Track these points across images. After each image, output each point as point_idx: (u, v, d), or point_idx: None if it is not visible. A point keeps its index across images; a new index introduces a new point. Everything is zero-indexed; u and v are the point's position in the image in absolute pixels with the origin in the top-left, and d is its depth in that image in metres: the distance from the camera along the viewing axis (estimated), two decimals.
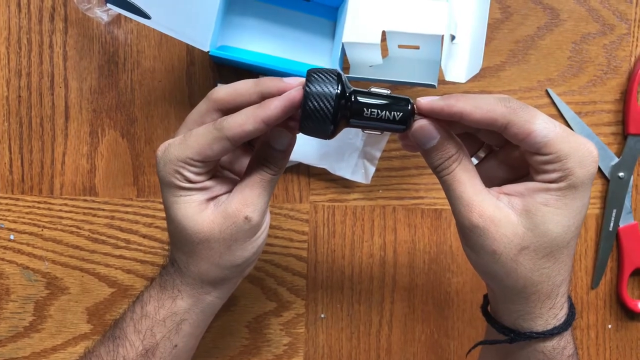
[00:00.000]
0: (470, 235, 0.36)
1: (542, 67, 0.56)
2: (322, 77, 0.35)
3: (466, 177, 0.36)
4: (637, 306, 0.57)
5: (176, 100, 0.54)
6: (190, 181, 0.38)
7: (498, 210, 0.35)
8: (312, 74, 0.36)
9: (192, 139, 0.37)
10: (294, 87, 0.36)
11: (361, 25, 0.44)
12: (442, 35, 0.43)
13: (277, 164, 0.39)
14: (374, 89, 0.36)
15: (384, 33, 0.44)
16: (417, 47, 0.45)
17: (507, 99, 0.35)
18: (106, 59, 0.54)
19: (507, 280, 0.36)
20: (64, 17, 0.53)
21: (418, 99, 0.36)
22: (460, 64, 0.47)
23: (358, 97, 0.36)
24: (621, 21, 0.56)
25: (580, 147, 0.34)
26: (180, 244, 0.40)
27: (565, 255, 0.36)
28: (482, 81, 0.55)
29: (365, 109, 0.36)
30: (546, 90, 0.56)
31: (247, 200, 0.38)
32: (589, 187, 0.35)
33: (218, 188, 0.40)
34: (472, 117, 0.34)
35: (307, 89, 0.35)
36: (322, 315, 0.56)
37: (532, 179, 0.36)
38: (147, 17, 0.43)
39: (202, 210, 0.38)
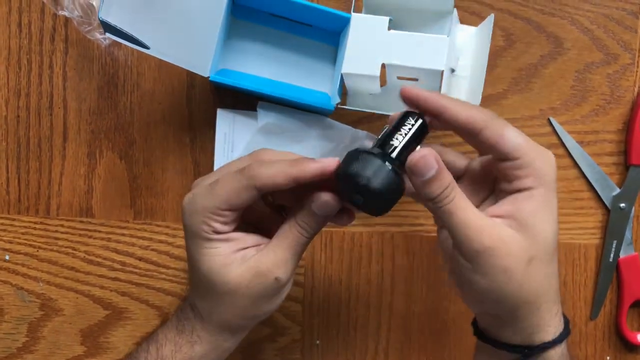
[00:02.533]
0: (481, 259, 0.36)
1: (544, 95, 0.55)
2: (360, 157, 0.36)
3: (466, 203, 0.36)
4: (636, 338, 0.56)
5: (175, 123, 0.54)
6: (218, 232, 0.38)
7: (502, 230, 0.36)
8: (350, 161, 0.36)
9: (219, 187, 0.37)
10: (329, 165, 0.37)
11: (361, 56, 0.44)
12: (442, 70, 0.43)
13: (315, 229, 0.39)
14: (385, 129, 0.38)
15: (383, 64, 0.44)
16: (416, 79, 0.45)
17: (485, 109, 0.37)
18: (106, 80, 0.53)
19: (520, 296, 0.36)
20: (65, 37, 0.53)
21: (403, 86, 0.37)
22: (460, 96, 0.47)
23: (394, 152, 0.37)
24: (625, 51, 0.55)
25: (543, 151, 0.37)
26: (204, 293, 0.40)
27: (557, 254, 0.38)
28: None
29: (404, 153, 0.37)
30: (548, 119, 0.55)
31: (280, 262, 0.38)
32: (555, 187, 0.37)
33: (245, 240, 0.39)
34: (453, 113, 0.36)
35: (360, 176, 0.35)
36: (318, 342, 0.55)
37: (504, 191, 0.37)
38: (145, 47, 0.43)
39: (229, 262, 0.38)
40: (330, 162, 0.36)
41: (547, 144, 0.55)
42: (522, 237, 0.36)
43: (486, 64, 0.45)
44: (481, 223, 0.36)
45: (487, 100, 0.55)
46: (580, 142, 0.55)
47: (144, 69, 0.53)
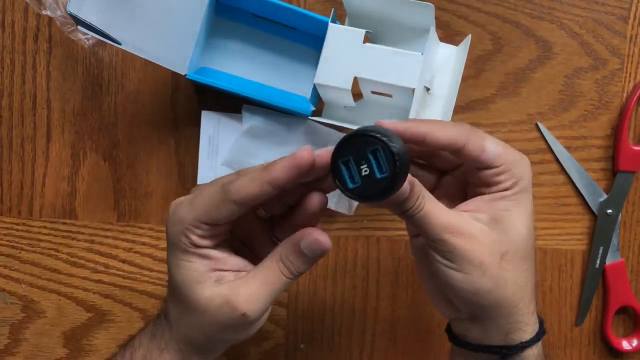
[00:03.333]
0: (456, 254, 0.36)
1: (532, 100, 0.55)
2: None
3: (435, 207, 0.37)
4: (621, 345, 0.56)
5: (160, 125, 0.53)
6: (195, 245, 0.36)
7: (472, 225, 0.37)
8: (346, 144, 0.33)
9: (199, 199, 0.36)
10: (301, 157, 0.34)
11: (334, 68, 0.44)
12: (414, 88, 0.42)
13: (301, 270, 0.37)
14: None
15: (356, 78, 0.44)
16: (390, 96, 0.45)
17: (460, 123, 0.38)
18: (90, 80, 0.53)
19: (497, 292, 0.37)
20: (48, 37, 0.52)
21: (378, 121, 0.36)
22: (434, 114, 0.47)
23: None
24: (614, 56, 0.55)
25: (520, 156, 0.38)
26: (175, 301, 0.39)
27: (534, 254, 0.39)
28: (471, 113, 0.54)
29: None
30: (536, 124, 0.55)
31: (253, 297, 0.36)
32: (531, 189, 0.38)
33: (225, 262, 0.38)
34: (434, 137, 0.36)
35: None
36: (302, 346, 0.55)
37: (480, 194, 0.38)
38: (117, 42, 0.42)
39: (202, 280, 0.36)
40: (304, 153, 0.34)
41: (534, 149, 0.55)
42: (495, 232, 0.37)
43: (459, 84, 0.45)
44: (454, 221, 0.36)
45: (475, 105, 0.54)
46: (568, 148, 0.55)
47: (128, 69, 0.53)
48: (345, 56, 0.43)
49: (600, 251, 0.56)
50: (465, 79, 0.54)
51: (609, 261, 0.56)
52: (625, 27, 0.55)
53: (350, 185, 0.32)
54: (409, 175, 0.35)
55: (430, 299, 0.42)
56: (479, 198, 0.39)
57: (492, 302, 0.37)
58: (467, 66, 0.54)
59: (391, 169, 0.32)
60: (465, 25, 0.54)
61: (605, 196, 0.55)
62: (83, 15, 0.40)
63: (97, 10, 0.41)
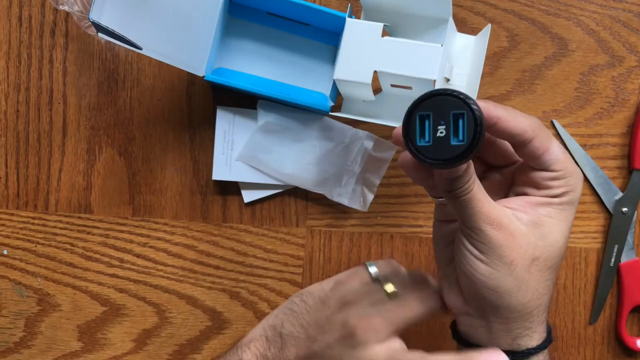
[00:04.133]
0: (489, 247, 0.36)
1: (548, 97, 0.55)
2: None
3: (481, 194, 0.36)
4: (635, 344, 0.56)
5: (175, 120, 0.53)
6: None
7: (512, 222, 0.36)
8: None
9: None
10: None
11: (353, 62, 0.44)
12: (434, 80, 0.42)
13: None
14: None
15: (375, 72, 0.44)
16: (410, 88, 0.45)
17: (532, 116, 0.37)
18: (106, 75, 0.53)
19: (517, 294, 0.37)
20: (65, 32, 0.53)
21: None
22: None
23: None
24: (631, 53, 0.54)
25: (577, 169, 0.38)
26: None
27: (559, 267, 0.39)
28: None
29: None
30: (551, 121, 0.55)
31: None
32: (577, 205, 0.38)
33: None
34: (506, 124, 0.36)
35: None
36: None
37: (525, 195, 0.38)
38: (138, 47, 0.43)
39: None
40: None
41: (551, 133, 0.54)
42: (532, 235, 0.37)
43: (480, 75, 0.45)
44: (496, 213, 0.36)
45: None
46: (584, 146, 0.55)
47: (144, 65, 0.53)
48: (364, 50, 0.43)
49: (615, 250, 0.55)
50: (481, 76, 0.54)
51: (623, 260, 0.55)
52: None
53: (420, 142, 0.31)
54: None
55: (441, 287, 0.41)
56: (523, 198, 0.38)
57: (509, 303, 0.37)
58: (484, 64, 0.53)
59: (469, 138, 0.30)
60: (481, 22, 0.54)
61: (620, 194, 0.55)
62: (104, 22, 0.40)
63: (117, 16, 0.42)
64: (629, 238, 0.55)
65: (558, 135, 0.55)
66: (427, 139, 0.31)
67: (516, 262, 0.36)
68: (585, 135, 0.55)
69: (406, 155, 0.37)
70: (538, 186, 0.38)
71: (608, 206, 0.55)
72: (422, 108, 0.31)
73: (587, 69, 0.54)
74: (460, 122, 0.31)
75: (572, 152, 0.55)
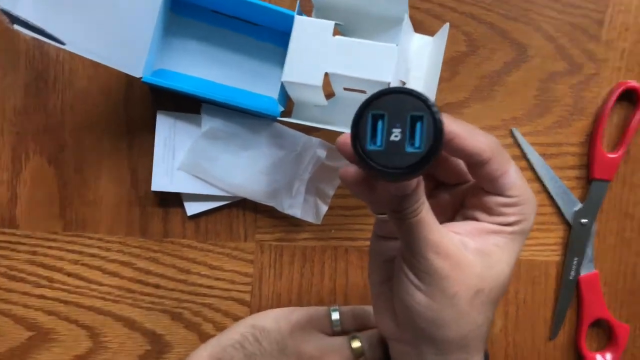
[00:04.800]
0: (433, 279, 0.33)
1: (507, 105, 0.53)
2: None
3: (430, 218, 0.33)
4: (595, 359, 0.54)
5: (111, 126, 0.49)
6: None
7: (459, 251, 0.34)
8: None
9: None
10: None
11: (303, 64, 0.40)
12: (389, 82, 0.39)
13: None
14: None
15: (327, 74, 0.41)
16: (364, 92, 0.42)
17: (490, 135, 0.34)
18: (34, 76, 0.48)
19: (456, 327, 0.34)
20: None
21: None
22: None
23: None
24: (590, 61, 0.53)
25: (533, 198, 0.35)
26: None
27: (500, 300, 0.36)
28: None
29: None
30: (510, 130, 0.53)
31: None
32: (527, 235, 0.36)
33: None
34: (464, 142, 0.32)
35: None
36: None
37: (475, 220, 0.35)
38: (61, 42, 0.38)
39: None
40: None
41: (509, 155, 0.53)
42: (479, 265, 0.34)
43: (438, 78, 0.42)
44: (445, 241, 0.33)
45: (448, 109, 0.52)
46: (543, 155, 0.53)
47: (77, 65, 0.49)
48: (314, 51, 0.40)
49: (575, 262, 0.54)
50: (438, 81, 0.52)
51: (583, 272, 0.54)
52: (600, 31, 0.53)
53: (370, 147, 0.27)
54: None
55: (373, 303, 0.38)
56: (472, 223, 0.35)
57: (447, 336, 0.34)
58: (441, 69, 0.51)
59: (427, 146, 0.26)
60: (439, 25, 0.51)
61: (580, 205, 0.54)
62: (19, 11, 0.36)
63: (37, 6, 0.37)
64: (588, 250, 0.54)
65: (517, 145, 0.53)
66: (379, 143, 0.27)
67: (459, 294, 0.33)
68: (544, 144, 0.53)
69: (350, 166, 0.33)
70: (490, 212, 0.35)
71: (567, 217, 0.54)
72: (376, 106, 0.27)
73: (547, 76, 0.53)
74: (419, 126, 0.27)
75: (532, 161, 0.53)
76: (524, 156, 0.53)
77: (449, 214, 0.38)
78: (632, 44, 0.53)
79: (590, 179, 0.53)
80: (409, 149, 0.27)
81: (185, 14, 0.47)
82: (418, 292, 0.34)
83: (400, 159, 0.27)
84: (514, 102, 0.53)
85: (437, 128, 0.27)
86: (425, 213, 0.33)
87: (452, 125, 0.33)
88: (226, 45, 0.48)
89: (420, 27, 0.51)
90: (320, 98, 0.42)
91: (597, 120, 0.53)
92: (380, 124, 0.27)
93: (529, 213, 0.35)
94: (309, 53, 0.40)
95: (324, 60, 0.40)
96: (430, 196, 0.38)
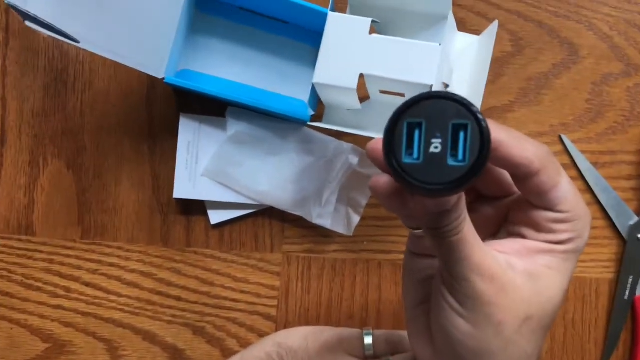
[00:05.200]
0: (476, 305, 0.30)
1: (556, 109, 0.49)
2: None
3: (472, 236, 0.30)
4: None
5: (133, 129, 0.48)
6: None
7: (505, 274, 0.30)
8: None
9: None
10: None
11: (336, 64, 0.38)
12: (431, 85, 0.36)
13: None
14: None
15: (362, 75, 0.37)
16: (402, 95, 0.39)
17: (540, 144, 0.30)
18: (53, 77, 0.47)
19: (501, 357, 0.31)
20: (5, 26, 0.47)
21: None
22: None
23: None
24: None
25: (588, 212, 0.32)
26: None
27: (551, 325, 0.33)
28: None
29: None
30: (559, 136, 0.49)
31: None
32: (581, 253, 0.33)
33: None
34: (510, 150, 0.29)
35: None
36: None
37: (521, 237, 0.32)
38: (75, 41, 0.36)
39: None
40: None
41: (560, 166, 0.49)
42: (528, 289, 0.31)
43: (485, 80, 0.39)
44: (489, 262, 0.30)
45: (491, 113, 0.49)
46: (595, 164, 0.49)
47: (97, 66, 0.47)
48: (348, 50, 0.37)
49: (630, 281, 0.50)
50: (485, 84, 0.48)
51: (639, 292, 0.50)
52: None
53: (406, 160, 0.24)
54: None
55: (407, 326, 0.35)
56: (519, 241, 0.32)
57: None
58: None
59: (473, 158, 0.23)
60: (482, 24, 0.48)
61: (636, 219, 0.50)
62: (29, 7, 0.34)
63: (48, 2, 0.35)
64: None
65: (567, 152, 0.49)
66: (415, 155, 0.24)
67: (505, 322, 0.30)
68: (596, 152, 0.49)
69: (381, 176, 0.30)
70: (539, 228, 0.31)
71: (622, 232, 0.50)
72: (413, 114, 0.24)
73: (600, 78, 0.49)
74: (462, 136, 0.23)
75: (582, 170, 0.50)
76: (573, 165, 0.50)
77: (491, 230, 0.34)
78: None
79: None
80: (451, 162, 0.24)
81: (211, 11, 0.45)
82: (459, 318, 0.31)
83: (441, 174, 0.24)
84: (563, 106, 0.49)
85: (484, 138, 0.23)
86: (468, 230, 0.29)
87: (497, 132, 0.29)
88: (254, 44, 0.46)
89: (461, 25, 0.48)
90: (354, 101, 0.39)
91: None
92: (417, 133, 0.24)
93: (583, 230, 0.31)
94: (343, 53, 0.38)
95: (359, 60, 0.37)
96: (470, 209, 0.34)
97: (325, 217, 0.47)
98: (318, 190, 0.46)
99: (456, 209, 0.28)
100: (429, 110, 0.24)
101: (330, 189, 0.46)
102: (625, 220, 0.50)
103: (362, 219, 0.48)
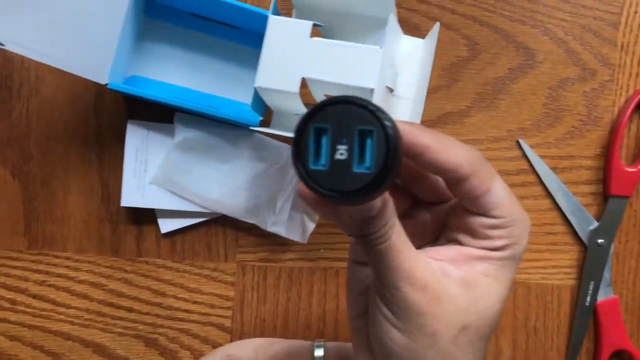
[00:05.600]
0: (407, 314, 0.29)
1: (513, 114, 0.48)
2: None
3: (402, 243, 0.29)
4: None
5: (81, 136, 0.46)
6: None
7: (439, 282, 0.29)
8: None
9: None
10: None
11: (278, 68, 0.37)
12: (372, 89, 0.35)
13: None
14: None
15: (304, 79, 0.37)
16: None
17: (471, 147, 0.30)
18: None
19: None
20: None
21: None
22: (401, 117, 0.39)
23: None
24: (604, 66, 0.49)
25: (525, 217, 0.31)
26: None
27: (492, 334, 0.32)
28: (443, 128, 0.48)
29: None
30: (517, 141, 0.49)
31: None
32: (520, 260, 0.31)
33: None
34: (437, 155, 0.28)
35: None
36: None
37: (458, 243, 0.31)
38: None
39: None
40: None
41: (515, 169, 0.48)
42: (463, 298, 0.29)
43: (427, 83, 0.38)
44: (421, 270, 0.29)
45: (448, 118, 0.48)
46: (554, 169, 0.49)
47: (44, 72, 0.46)
48: (290, 54, 0.36)
49: (591, 287, 0.49)
50: (437, 89, 0.48)
51: (600, 298, 0.49)
52: (615, 33, 0.49)
53: (312, 166, 0.23)
54: (384, 195, 0.27)
55: (351, 337, 0.34)
56: (455, 247, 0.31)
57: None
58: (439, 75, 0.47)
59: (378, 166, 0.23)
60: None
61: (595, 224, 0.49)
62: None
63: None
64: (606, 273, 0.49)
65: (525, 157, 0.49)
66: (322, 161, 0.23)
67: (440, 332, 0.29)
68: (555, 157, 0.49)
69: None
70: (475, 234, 0.31)
71: (582, 237, 0.49)
72: (319, 119, 0.23)
73: (557, 83, 0.49)
74: (369, 142, 0.23)
75: (541, 176, 0.49)
76: (532, 170, 0.49)
77: (430, 236, 0.33)
78: None
79: (607, 195, 0.49)
80: (358, 169, 0.23)
81: (161, 17, 0.45)
82: (393, 329, 0.30)
83: (346, 181, 0.23)
84: (520, 111, 0.49)
85: (390, 145, 0.22)
86: (397, 237, 0.28)
87: (424, 136, 0.28)
88: (205, 50, 0.45)
89: (416, 30, 0.47)
90: (299, 105, 0.38)
91: (613, 131, 0.49)
92: (324, 139, 0.23)
93: (520, 236, 0.30)
94: (285, 57, 0.37)
95: (300, 64, 0.36)
96: (407, 216, 0.34)
97: (279, 224, 0.46)
98: (271, 198, 0.45)
99: (382, 216, 0.27)
100: (336, 116, 0.23)
101: (284, 196, 0.45)
102: (585, 226, 0.49)
103: (319, 226, 0.47)
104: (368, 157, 0.23)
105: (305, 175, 0.23)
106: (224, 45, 0.45)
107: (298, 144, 0.23)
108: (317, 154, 0.23)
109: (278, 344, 0.44)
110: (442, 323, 0.29)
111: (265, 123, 0.43)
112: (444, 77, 0.48)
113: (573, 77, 0.49)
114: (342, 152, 0.23)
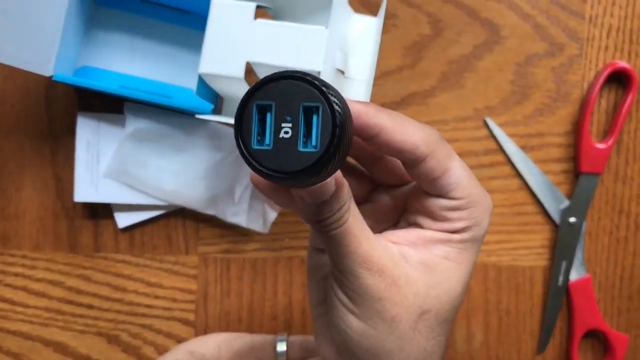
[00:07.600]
0: (364, 299, 0.28)
1: (479, 92, 0.47)
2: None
3: (359, 227, 0.28)
4: None
5: (32, 130, 0.45)
6: None
7: (396, 266, 0.28)
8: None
9: None
10: None
11: (221, 53, 0.35)
12: (319, 72, 0.34)
13: None
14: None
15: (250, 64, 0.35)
16: None
17: (429, 127, 0.28)
18: None
19: (399, 356, 0.29)
20: None
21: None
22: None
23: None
24: (571, 40, 0.47)
25: (486, 197, 0.30)
26: None
27: (454, 319, 0.31)
28: (407, 109, 0.46)
29: None
30: (484, 120, 0.47)
31: None
32: (482, 242, 0.31)
33: None
34: (392, 136, 0.27)
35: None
36: None
37: (418, 226, 0.30)
38: None
39: None
40: None
41: (483, 149, 0.47)
42: (423, 282, 0.29)
43: (375, 63, 0.36)
44: (377, 254, 0.28)
45: (412, 99, 0.46)
46: (523, 147, 0.48)
47: None
48: (233, 37, 0.35)
49: (563, 266, 0.48)
50: (400, 69, 0.46)
51: (573, 278, 0.49)
52: (583, 6, 0.47)
53: (255, 146, 0.22)
54: (339, 173, 0.26)
55: (313, 331, 0.33)
56: (415, 230, 0.30)
57: None
58: (402, 55, 0.46)
59: (324, 145, 0.21)
60: (397, 6, 0.46)
61: (567, 202, 0.48)
62: None
63: None
64: (578, 253, 0.48)
65: (493, 136, 0.47)
66: (266, 140, 0.22)
67: (399, 317, 0.28)
68: (524, 135, 0.47)
69: None
70: (434, 217, 0.30)
71: (553, 217, 0.48)
72: (262, 96, 0.22)
73: (524, 59, 0.47)
74: (315, 119, 0.21)
75: (510, 155, 0.48)
76: (500, 149, 0.48)
77: (391, 220, 0.32)
78: (620, 20, 0.47)
79: (577, 172, 0.48)
80: (303, 148, 0.21)
81: (111, 4, 0.43)
82: (351, 315, 0.29)
83: (291, 161, 0.21)
84: (487, 89, 0.47)
85: (336, 122, 0.21)
86: (353, 222, 0.27)
87: (378, 116, 0.27)
88: (157, 37, 0.43)
89: (375, 9, 0.46)
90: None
91: (583, 107, 0.47)
92: (269, 117, 0.22)
93: (481, 217, 0.29)
94: (228, 40, 0.35)
95: (244, 48, 0.35)
96: (367, 200, 0.33)
97: (240, 214, 0.45)
98: (230, 188, 0.44)
99: (336, 200, 0.26)
100: (280, 92, 0.22)
101: (243, 185, 0.44)
102: (556, 205, 0.48)
103: (282, 215, 0.46)
104: (314, 136, 0.21)
105: (248, 155, 0.22)
106: (177, 31, 0.43)
107: (240, 123, 0.22)
108: (262, 133, 0.22)
109: (240, 339, 0.43)
110: (401, 308, 0.28)
111: (218, 110, 0.42)
112: (408, 56, 0.47)
113: (541, 52, 0.47)
114: (286, 130, 0.21)
